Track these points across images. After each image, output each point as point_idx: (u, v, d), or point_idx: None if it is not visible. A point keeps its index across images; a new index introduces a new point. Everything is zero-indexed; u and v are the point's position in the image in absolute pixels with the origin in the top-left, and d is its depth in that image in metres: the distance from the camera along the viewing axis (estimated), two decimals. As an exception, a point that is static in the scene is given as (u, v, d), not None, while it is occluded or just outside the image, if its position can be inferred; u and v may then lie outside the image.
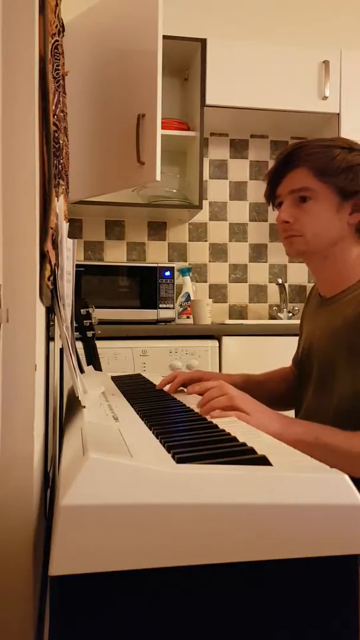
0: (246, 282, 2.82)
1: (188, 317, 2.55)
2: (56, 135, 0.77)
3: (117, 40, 1.95)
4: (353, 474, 0.50)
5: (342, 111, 2.49)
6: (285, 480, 0.47)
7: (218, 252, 2.79)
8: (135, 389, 1.10)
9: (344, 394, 1.01)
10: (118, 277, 2.37)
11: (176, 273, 2.53)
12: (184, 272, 2.62)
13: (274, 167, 1.11)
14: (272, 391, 1.31)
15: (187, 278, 2.62)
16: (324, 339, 1.09)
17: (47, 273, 0.66)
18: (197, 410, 0.85)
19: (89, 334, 1.38)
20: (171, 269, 2.38)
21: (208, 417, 0.79)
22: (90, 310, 1.38)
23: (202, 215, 2.73)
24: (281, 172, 1.09)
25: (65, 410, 0.94)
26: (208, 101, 2.41)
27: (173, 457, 0.55)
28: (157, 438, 0.64)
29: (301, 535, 0.46)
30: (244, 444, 0.59)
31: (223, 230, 2.80)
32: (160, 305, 2.34)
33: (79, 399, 0.78)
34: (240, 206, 2.81)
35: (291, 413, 1.23)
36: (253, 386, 1.24)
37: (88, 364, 1.38)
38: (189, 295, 2.58)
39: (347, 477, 0.48)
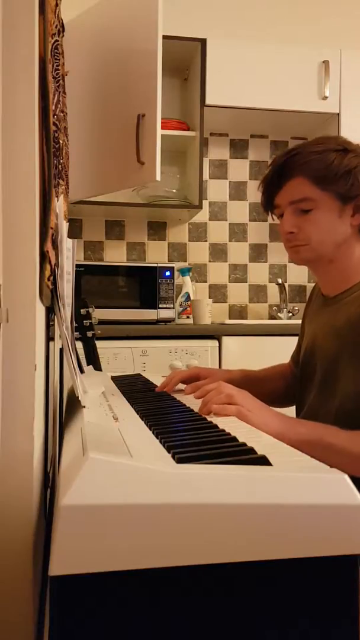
0: (246, 282, 2.82)
1: (188, 317, 2.55)
2: (56, 135, 0.77)
3: (117, 40, 1.95)
4: (357, 474, 0.50)
5: (342, 111, 2.49)
6: (285, 480, 0.47)
7: (218, 252, 2.79)
8: (135, 389, 1.10)
9: (347, 393, 1.01)
10: (118, 277, 2.37)
11: (176, 273, 2.53)
12: (183, 272, 2.62)
13: (270, 176, 1.09)
14: (270, 388, 1.31)
15: (187, 278, 2.62)
16: (327, 339, 1.08)
17: (47, 273, 0.66)
18: (197, 410, 0.85)
19: (89, 334, 1.38)
20: (171, 269, 2.38)
21: (209, 418, 0.79)
22: (90, 310, 1.38)
23: (202, 215, 2.73)
24: (278, 181, 1.07)
25: (65, 410, 0.94)
26: (208, 101, 2.41)
27: (173, 457, 0.55)
28: (157, 438, 0.64)
29: (301, 535, 0.46)
30: (244, 444, 0.59)
31: (223, 230, 2.80)
32: (160, 305, 2.34)
33: (79, 399, 0.78)
34: (240, 206, 2.81)
35: (290, 410, 1.22)
36: (251, 383, 1.24)
37: (88, 364, 1.38)
38: (188, 295, 2.58)
39: (347, 477, 0.48)
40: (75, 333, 1.30)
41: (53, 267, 0.73)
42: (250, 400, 0.88)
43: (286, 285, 2.80)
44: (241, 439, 0.62)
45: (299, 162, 1.04)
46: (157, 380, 1.23)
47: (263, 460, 0.53)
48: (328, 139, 1.10)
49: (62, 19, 0.96)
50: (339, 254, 1.07)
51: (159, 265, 2.37)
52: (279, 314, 2.77)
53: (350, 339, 1.01)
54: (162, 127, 1.99)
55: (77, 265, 1.30)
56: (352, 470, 0.49)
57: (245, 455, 0.55)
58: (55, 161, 0.76)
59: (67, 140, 1.13)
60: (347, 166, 1.02)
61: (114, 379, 1.30)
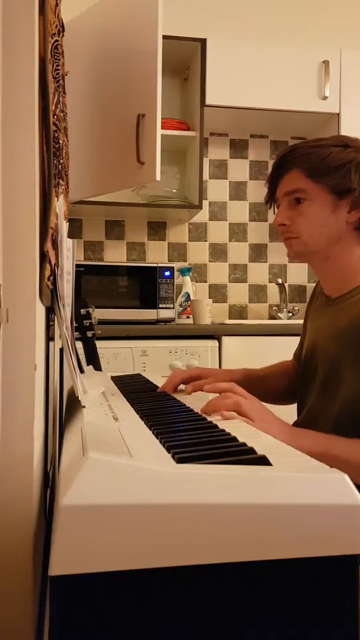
0: (246, 282, 2.82)
1: (188, 317, 2.55)
2: (56, 135, 0.77)
3: (117, 40, 1.95)
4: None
5: (342, 111, 2.49)
6: (285, 480, 0.47)
7: (218, 252, 2.79)
8: (135, 389, 1.10)
9: (348, 396, 1.00)
10: (118, 277, 2.37)
11: (176, 273, 2.53)
12: (183, 272, 2.62)
13: (271, 171, 1.12)
14: (273, 387, 1.30)
15: (187, 278, 2.62)
16: (329, 340, 1.07)
17: (47, 273, 0.66)
18: (197, 410, 0.85)
19: (89, 334, 1.38)
20: (171, 269, 2.38)
21: (209, 418, 0.79)
22: (90, 310, 1.38)
23: (202, 215, 2.73)
24: (277, 175, 1.10)
25: (65, 410, 0.94)
26: (208, 101, 2.41)
27: (173, 457, 0.55)
28: (157, 438, 0.64)
29: (301, 535, 0.46)
30: (244, 444, 0.59)
31: (223, 230, 2.80)
32: (160, 305, 2.34)
33: (79, 399, 0.78)
34: (240, 206, 2.81)
35: (293, 410, 1.23)
36: (254, 382, 1.23)
37: (88, 364, 1.38)
38: (188, 295, 2.58)
39: (347, 477, 0.48)
40: (75, 333, 1.30)
41: (53, 267, 0.73)
42: (257, 410, 0.85)
43: (286, 285, 2.80)
44: (241, 439, 0.62)
45: (297, 155, 1.05)
46: (157, 380, 1.23)
47: (263, 460, 0.53)
48: (334, 136, 1.10)
49: (62, 19, 0.96)
50: (335, 252, 1.06)
51: (159, 265, 2.37)
52: (279, 314, 2.77)
53: (353, 341, 1.00)
54: (162, 127, 2.00)
55: (77, 265, 1.30)
56: (357, 479, 0.48)
57: (245, 455, 0.54)
58: (55, 161, 0.76)
59: (67, 140, 1.13)
60: (343, 160, 1.02)
61: (114, 379, 1.30)
